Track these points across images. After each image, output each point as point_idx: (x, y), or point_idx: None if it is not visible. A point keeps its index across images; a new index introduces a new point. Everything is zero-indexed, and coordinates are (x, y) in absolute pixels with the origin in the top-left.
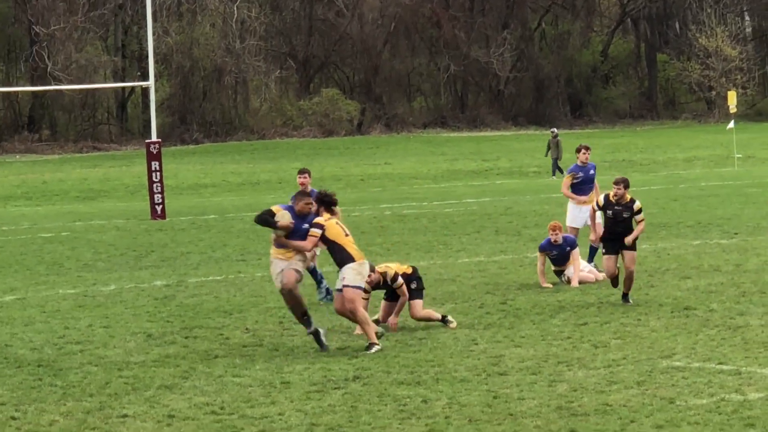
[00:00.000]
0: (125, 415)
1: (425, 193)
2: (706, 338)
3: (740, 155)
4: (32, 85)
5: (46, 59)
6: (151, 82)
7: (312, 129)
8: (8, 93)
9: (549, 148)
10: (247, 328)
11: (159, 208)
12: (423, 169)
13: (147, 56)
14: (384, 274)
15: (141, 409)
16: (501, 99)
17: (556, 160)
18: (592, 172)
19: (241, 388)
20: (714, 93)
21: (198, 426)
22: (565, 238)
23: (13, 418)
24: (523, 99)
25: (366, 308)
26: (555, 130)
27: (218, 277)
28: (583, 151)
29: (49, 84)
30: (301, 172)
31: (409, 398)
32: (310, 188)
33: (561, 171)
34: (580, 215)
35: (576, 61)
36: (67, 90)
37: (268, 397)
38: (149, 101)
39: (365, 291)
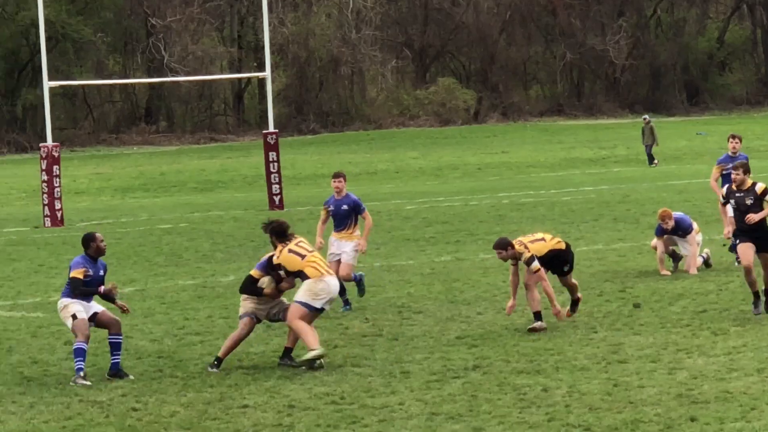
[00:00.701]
0: (246, 406)
1: (542, 181)
2: None
3: None
4: (149, 77)
5: (163, 51)
6: (267, 72)
7: (429, 118)
8: (125, 85)
9: (644, 134)
10: (366, 318)
11: (277, 199)
12: (540, 157)
13: (263, 47)
14: (519, 255)
15: (261, 399)
16: (617, 86)
17: (649, 146)
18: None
19: (361, 378)
20: None
21: (318, 416)
22: (678, 223)
23: (134, 409)
24: (640, 86)
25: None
26: (647, 116)
27: None
28: (730, 140)
29: (166, 76)
30: (336, 176)
31: (529, 387)
32: (345, 192)
33: (652, 158)
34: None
35: (692, 48)
36: (184, 81)
37: (388, 387)
38: (266, 92)
39: (316, 310)
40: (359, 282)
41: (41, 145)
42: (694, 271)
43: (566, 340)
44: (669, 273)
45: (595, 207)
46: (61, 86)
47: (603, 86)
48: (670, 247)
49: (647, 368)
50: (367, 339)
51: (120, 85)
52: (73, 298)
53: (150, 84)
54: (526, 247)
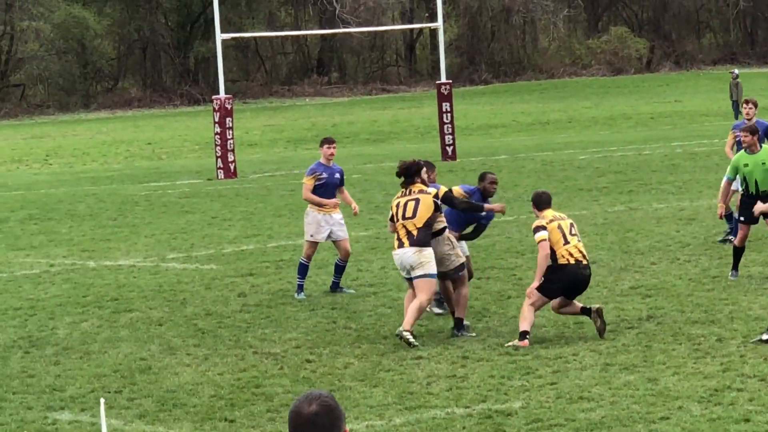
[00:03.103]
0: (420, 357)
1: (716, 130)
2: None
3: None
4: (321, 28)
5: (334, 2)
6: (439, 23)
7: (601, 68)
8: (297, 37)
9: (732, 90)
10: None
11: (450, 149)
12: (713, 106)
13: None
14: None
15: (435, 350)
16: None
17: (736, 102)
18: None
19: (535, 328)
20: None
21: (492, 367)
22: None
23: (308, 361)
24: None
25: None
26: (735, 71)
27: (510, 218)
28: (744, 105)
29: (338, 27)
30: (330, 141)
31: (704, 337)
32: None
33: (736, 114)
34: None
35: None
36: (356, 33)
37: (562, 338)
38: (438, 42)
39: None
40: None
41: (214, 97)
42: None
43: (741, 290)
44: None
45: None
46: (234, 38)
47: None
48: None
49: None
50: None
51: (292, 36)
52: None
53: (322, 35)
54: None
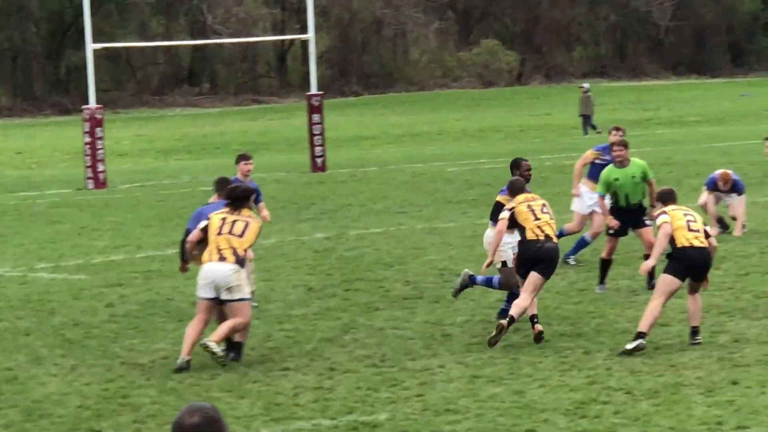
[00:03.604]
0: (286, 368)
1: (586, 143)
2: None
3: None
4: (192, 39)
5: (206, 13)
6: (310, 34)
7: (471, 80)
8: (169, 47)
9: (582, 104)
10: (407, 281)
11: (319, 161)
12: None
13: (306, 9)
14: None
15: (302, 362)
16: (661, 48)
17: (586, 116)
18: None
19: (402, 340)
20: None
21: (359, 378)
22: (734, 185)
23: (176, 372)
24: (684, 48)
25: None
26: (585, 85)
27: (378, 230)
28: (614, 131)
29: (209, 38)
30: (247, 158)
31: (570, 350)
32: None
33: (594, 128)
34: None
35: (736, 10)
36: (227, 43)
37: (429, 350)
38: (309, 54)
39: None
40: None
41: (84, 107)
42: (738, 233)
43: (608, 303)
44: (717, 232)
45: None
46: (105, 48)
47: (646, 48)
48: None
49: (689, 331)
50: (408, 302)
51: (163, 47)
52: None
53: (193, 46)
54: None
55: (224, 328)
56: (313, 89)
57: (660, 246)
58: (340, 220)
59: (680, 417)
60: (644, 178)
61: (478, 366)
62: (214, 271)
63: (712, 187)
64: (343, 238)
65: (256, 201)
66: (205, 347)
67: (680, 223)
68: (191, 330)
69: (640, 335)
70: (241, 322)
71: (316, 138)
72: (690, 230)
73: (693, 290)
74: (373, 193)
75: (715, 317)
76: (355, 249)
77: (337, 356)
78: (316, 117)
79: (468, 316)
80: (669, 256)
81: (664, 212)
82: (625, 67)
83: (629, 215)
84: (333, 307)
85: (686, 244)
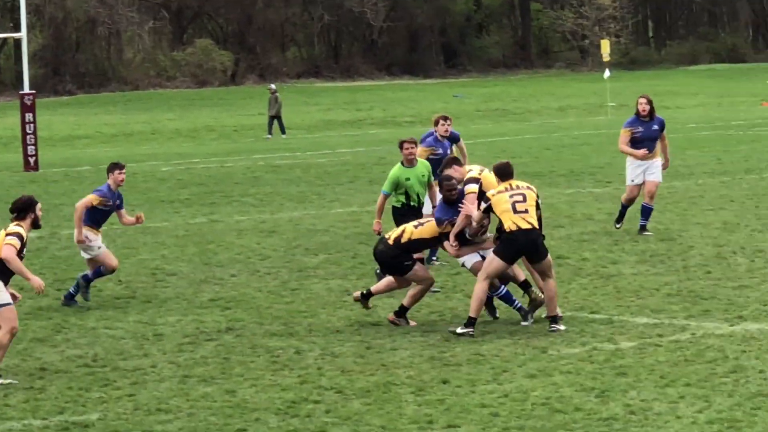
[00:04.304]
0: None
1: (299, 143)
2: (579, 287)
3: (613, 104)
4: None
5: None
6: (23, 33)
7: (186, 80)
8: None
9: (270, 105)
10: (120, 280)
11: (32, 160)
12: (297, 119)
13: (18, 7)
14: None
15: (13, 362)
16: (375, 49)
17: (273, 117)
18: (446, 146)
19: (114, 340)
20: (587, 42)
21: (70, 379)
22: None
23: None
24: (397, 48)
25: None
26: (273, 86)
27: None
28: (442, 121)
29: None
30: (120, 167)
31: (282, 350)
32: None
33: (282, 129)
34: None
35: (450, 11)
36: None
37: (141, 350)
38: (21, 52)
39: None
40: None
41: None
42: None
43: (320, 303)
44: None
45: (351, 169)
46: None
47: (360, 48)
48: None
49: (400, 331)
50: (120, 301)
51: None
52: None
53: None
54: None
55: None
56: (26, 88)
57: (464, 215)
58: (52, 219)
59: (391, 416)
60: (428, 178)
61: (190, 366)
62: None
63: None
64: (55, 238)
65: (119, 207)
66: None
67: (505, 206)
68: None
69: (471, 321)
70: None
71: (28, 137)
72: (516, 212)
73: (542, 275)
74: (86, 193)
75: (427, 317)
76: (68, 248)
77: (48, 356)
78: (28, 116)
79: (180, 316)
80: (499, 236)
81: (476, 186)
82: (339, 68)
83: (414, 215)
84: (45, 307)
85: (513, 227)
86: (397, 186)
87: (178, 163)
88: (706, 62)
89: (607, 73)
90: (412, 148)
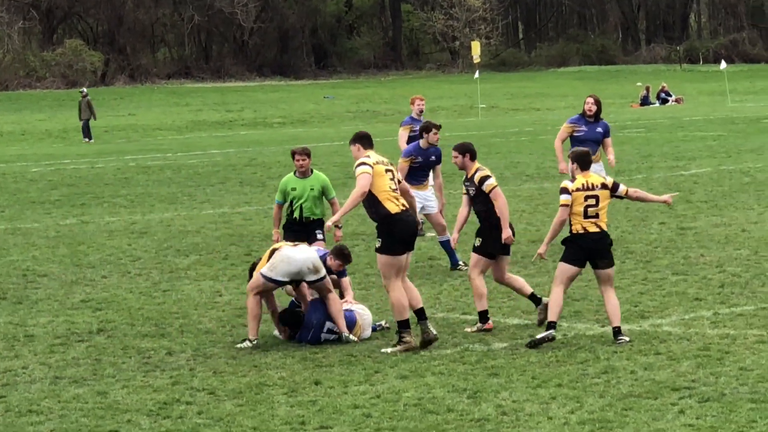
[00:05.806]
0: None
1: (170, 144)
2: (450, 288)
3: (484, 105)
4: None
5: None
6: None
7: (56, 80)
8: None
9: (80, 109)
10: None
11: None
12: (167, 120)
13: None
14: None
15: None
16: (245, 50)
17: (87, 121)
18: (433, 158)
19: None
20: (458, 43)
21: None
22: None
23: None
24: (268, 50)
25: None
26: (84, 89)
27: None
28: (434, 131)
29: None
30: None
31: (154, 350)
32: None
33: (89, 134)
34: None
35: (320, 12)
36: None
37: (12, 351)
38: None
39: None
40: None
41: None
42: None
43: (191, 304)
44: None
45: (221, 170)
46: None
47: (231, 49)
48: None
49: (271, 332)
50: None
51: None
52: None
53: None
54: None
55: None
56: None
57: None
58: None
59: (263, 417)
60: (324, 194)
61: (61, 367)
62: None
63: None
64: None
65: None
66: None
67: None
68: None
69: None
70: None
71: None
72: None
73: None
74: None
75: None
76: None
77: None
78: None
79: (51, 317)
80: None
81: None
82: (210, 68)
83: (304, 229)
84: None
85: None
86: (285, 195)
87: (49, 164)
88: (576, 64)
89: (477, 74)
90: (303, 160)
